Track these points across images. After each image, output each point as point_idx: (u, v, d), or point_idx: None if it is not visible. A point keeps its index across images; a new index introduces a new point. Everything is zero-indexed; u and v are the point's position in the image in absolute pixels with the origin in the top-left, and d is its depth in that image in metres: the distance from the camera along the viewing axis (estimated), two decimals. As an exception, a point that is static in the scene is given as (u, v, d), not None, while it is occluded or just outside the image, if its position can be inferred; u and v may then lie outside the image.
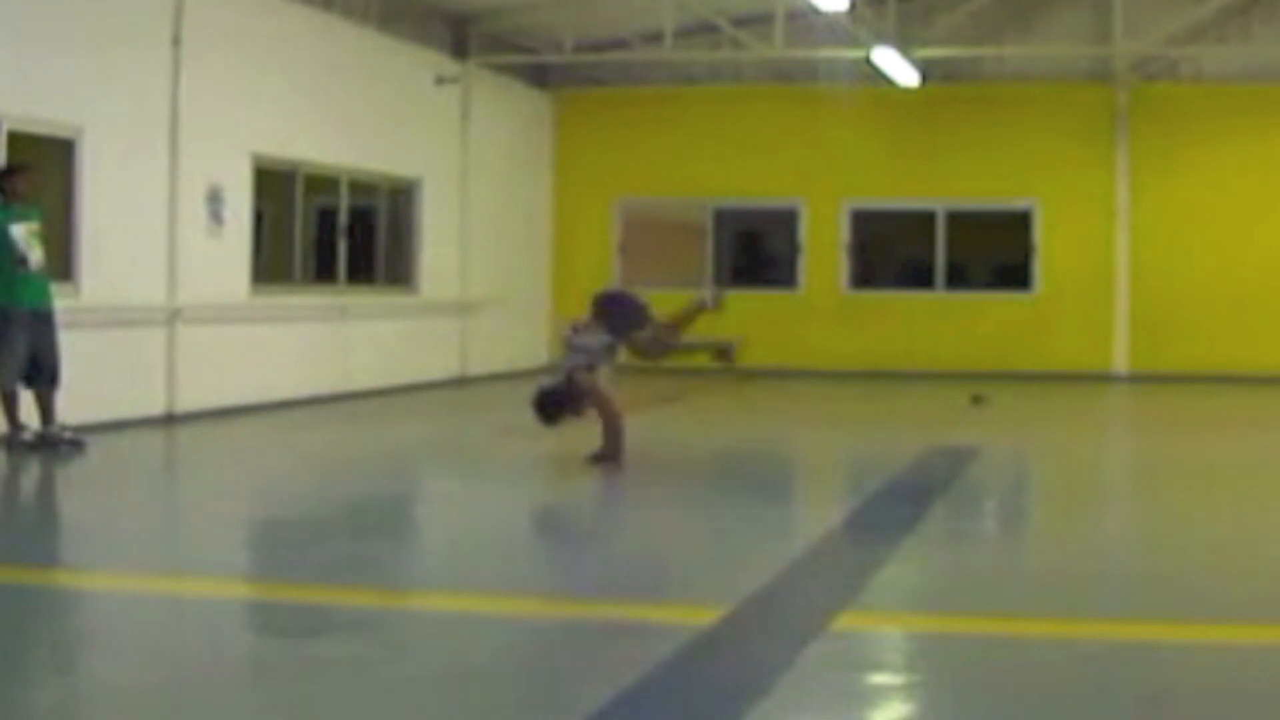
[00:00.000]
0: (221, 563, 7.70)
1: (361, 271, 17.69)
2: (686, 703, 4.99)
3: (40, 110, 12.30)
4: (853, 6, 16.77)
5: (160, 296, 13.82)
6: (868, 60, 18.96)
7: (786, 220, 21.92)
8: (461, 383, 19.19)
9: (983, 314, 21.23)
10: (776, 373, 20.75)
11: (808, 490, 11.67)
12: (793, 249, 21.94)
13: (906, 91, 20.41)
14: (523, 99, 21.59)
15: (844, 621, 6.18)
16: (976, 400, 16.60)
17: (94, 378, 12.33)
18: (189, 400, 13.97)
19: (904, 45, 18.79)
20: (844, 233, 21.74)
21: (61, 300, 11.75)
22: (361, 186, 17.55)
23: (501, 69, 20.68)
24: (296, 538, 8.44)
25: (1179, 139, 20.61)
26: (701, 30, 20.28)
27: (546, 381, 11.10)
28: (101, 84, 12.92)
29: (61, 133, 12.60)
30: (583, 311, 11.16)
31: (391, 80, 18.00)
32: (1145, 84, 20.97)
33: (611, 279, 21.82)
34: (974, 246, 21.79)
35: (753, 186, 21.74)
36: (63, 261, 12.41)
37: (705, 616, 6.02)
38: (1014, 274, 21.41)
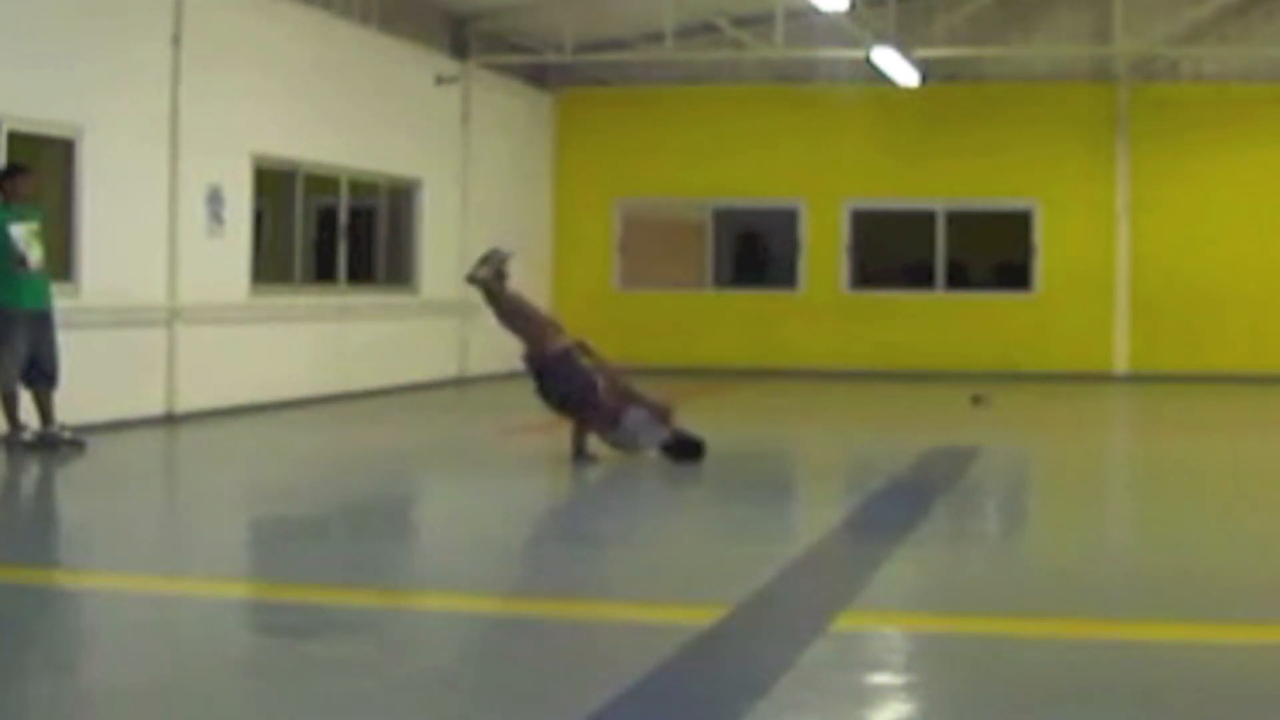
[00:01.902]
0: (221, 563, 7.70)
1: (361, 271, 17.67)
2: (686, 703, 4.99)
3: (40, 110, 12.29)
4: (853, 6, 16.74)
5: (160, 296, 13.81)
6: (868, 60, 18.94)
7: (786, 220, 21.90)
8: (461, 383, 19.18)
9: (983, 314, 21.22)
10: (776, 373, 20.74)
11: (808, 490, 11.65)
12: (793, 249, 21.92)
13: (906, 91, 20.40)
14: (523, 99, 21.58)
15: (844, 621, 6.18)
16: (977, 400, 16.58)
17: (94, 378, 12.31)
18: (189, 400, 13.96)
19: (904, 45, 18.77)
20: (844, 233, 21.73)
21: (61, 300, 11.74)
22: (361, 186, 17.54)
23: (501, 69, 20.67)
24: (296, 538, 8.45)
25: (1179, 139, 20.58)
26: (701, 30, 20.26)
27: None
28: (101, 84, 12.91)
29: (61, 133, 12.59)
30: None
31: (391, 80, 17.99)
32: (1145, 84, 20.95)
33: (611, 279, 21.89)
34: (974, 247, 21.78)
35: (753, 187, 21.71)
36: (63, 261, 12.40)
37: (705, 616, 6.01)
38: (1014, 274, 21.40)
